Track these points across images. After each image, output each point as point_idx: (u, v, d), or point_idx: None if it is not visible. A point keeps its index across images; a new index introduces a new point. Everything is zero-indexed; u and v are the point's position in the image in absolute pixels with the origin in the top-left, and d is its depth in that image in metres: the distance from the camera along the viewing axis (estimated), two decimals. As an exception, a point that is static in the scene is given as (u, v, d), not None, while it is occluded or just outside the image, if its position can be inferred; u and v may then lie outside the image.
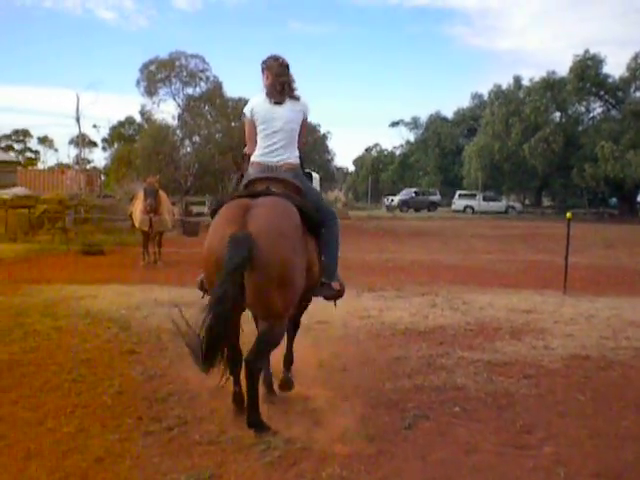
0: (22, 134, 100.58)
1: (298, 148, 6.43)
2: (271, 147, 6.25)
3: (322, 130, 67.35)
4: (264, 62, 6.40)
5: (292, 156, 6.33)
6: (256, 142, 6.35)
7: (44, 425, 5.89)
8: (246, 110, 6.37)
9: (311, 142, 63.43)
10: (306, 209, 5.98)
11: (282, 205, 5.79)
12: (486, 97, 69.49)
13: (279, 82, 6.28)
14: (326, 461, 5.20)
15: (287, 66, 6.38)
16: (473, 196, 62.29)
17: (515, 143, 58.64)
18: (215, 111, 44.82)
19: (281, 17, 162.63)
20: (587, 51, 58.45)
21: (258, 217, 5.56)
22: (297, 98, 6.36)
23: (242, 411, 5.86)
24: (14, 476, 4.93)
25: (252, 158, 6.31)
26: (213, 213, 6.01)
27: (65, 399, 6.52)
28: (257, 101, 6.33)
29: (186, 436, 5.63)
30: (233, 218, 5.60)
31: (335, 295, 6.56)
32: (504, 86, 64.71)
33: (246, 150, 6.51)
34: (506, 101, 61.48)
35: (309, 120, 6.57)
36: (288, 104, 6.30)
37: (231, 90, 60.31)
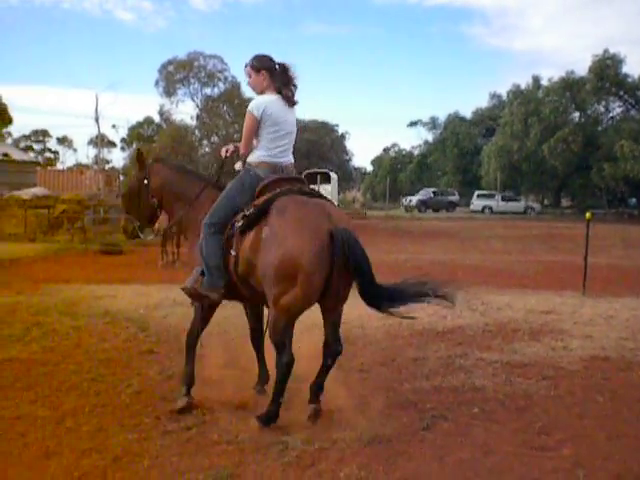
0: (41, 134, 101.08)
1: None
2: (281, 148, 6.32)
3: (340, 130, 67.48)
4: (258, 61, 6.38)
5: (291, 158, 6.48)
6: (253, 141, 6.38)
7: (63, 424, 5.93)
8: (255, 108, 6.23)
9: (329, 142, 63.52)
10: None
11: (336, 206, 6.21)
12: (505, 97, 69.27)
13: (295, 86, 6.37)
14: (344, 461, 5.20)
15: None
16: (492, 196, 61.97)
17: (534, 143, 58.36)
18: (233, 111, 44.97)
19: (298, 17, 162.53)
20: (606, 50, 58.15)
21: (338, 214, 5.94)
22: (296, 103, 6.44)
23: None
24: (33, 475, 4.96)
25: (261, 158, 6.29)
26: (265, 207, 5.94)
27: (84, 398, 6.56)
28: (269, 101, 6.28)
29: (204, 436, 5.65)
30: (319, 213, 5.74)
31: None
32: (523, 86, 64.50)
33: (241, 149, 6.48)
34: (525, 101, 61.18)
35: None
36: (294, 108, 6.43)
37: (249, 90, 60.21)
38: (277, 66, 6.34)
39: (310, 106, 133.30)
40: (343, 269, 5.63)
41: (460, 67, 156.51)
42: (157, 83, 46.44)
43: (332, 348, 6.10)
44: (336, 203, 54.42)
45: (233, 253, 6.04)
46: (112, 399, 6.52)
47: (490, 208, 60.68)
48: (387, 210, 63.40)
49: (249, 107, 6.27)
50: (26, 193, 28.52)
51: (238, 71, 48.97)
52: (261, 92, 6.39)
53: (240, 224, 5.99)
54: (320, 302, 5.90)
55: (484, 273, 17.34)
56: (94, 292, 12.21)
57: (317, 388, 6.16)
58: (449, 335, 9.60)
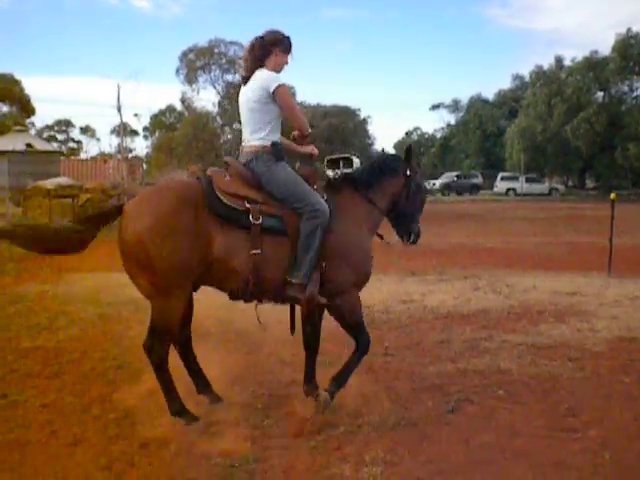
0: (64, 124, 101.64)
1: None
2: (244, 131, 6.09)
3: (362, 115, 67.20)
4: (288, 40, 6.09)
5: (252, 139, 6.03)
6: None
7: (89, 412, 5.97)
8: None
9: (351, 127, 63.33)
10: None
11: None
12: (527, 78, 68.77)
13: (245, 60, 6.18)
14: (369, 445, 5.22)
15: None
16: (515, 178, 61.56)
17: (557, 124, 57.97)
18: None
19: (316, 2, 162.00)
20: (629, 29, 57.59)
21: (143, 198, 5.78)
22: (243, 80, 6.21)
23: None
24: (61, 462, 5.01)
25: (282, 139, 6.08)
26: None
27: (110, 386, 6.60)
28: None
29: (230, 420, 5.66)
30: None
31: None
32: (545, 67, 64.01)
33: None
34: (548, 82, 60.76)
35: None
36: (250, 83, 6.08)
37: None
38: None
39: (332, 91, 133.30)
40: None
41: (480, 49, 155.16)
42: (178, 71, 46.46)
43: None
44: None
45: None
46: (139, 386, 6.55)
47: (514, 190, 60.30)
48: (410, 194, 63.14)
49: (281, 80, 5.92)
50: (50, 183, 28.61)
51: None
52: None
53: None
54: None
55: (508, 255, 17.28)
56: (119, 280, 12.20)
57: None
58: (474, 318, 9.58)
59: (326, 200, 5.78)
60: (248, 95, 5.96)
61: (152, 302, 5.54)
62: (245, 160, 5.88)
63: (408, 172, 6.32)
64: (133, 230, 5.35)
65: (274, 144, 5.87)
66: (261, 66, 5.96)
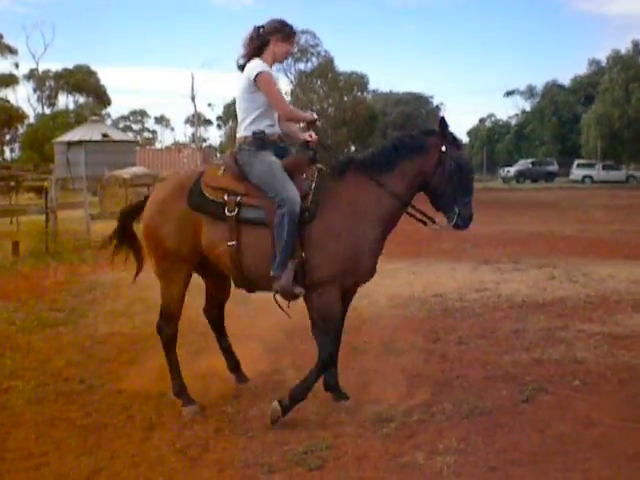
0: (140, 114, 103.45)
1: None
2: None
3: (435, 102, 66.77)
4: (289, 28, 5.98)
5: (242, 130, 5.98)
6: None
7: (165, 397, 6.05)
8: (270, 70, 5.89)
9: (424, 114, 62.97)
10: None
11: None
12: (604, 63, 67.39)
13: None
14: (443, 434, 5.19)
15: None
16: (592, 165, 60.44)
17: (635, 110, 56.64)
18: (327, 86, 44.97)
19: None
20: None
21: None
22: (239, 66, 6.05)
23: None
24: (137, 446, 5.10)
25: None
26: None
27: (186, 371, 6.67)
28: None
29: (303, 408, 5.68)
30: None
31: None
32: (622, 51, 62.59)
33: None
34: (625, 67, 59.40)
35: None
36: (244, 70, 5.97)
37: (343, 64, 60.21)
38: None
39: (404, 78, 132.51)
40: None
41: (553, 34, 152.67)
42: (251, 60, 46.82)
43: None
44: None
45: None
46: (214, 371, 6.62)
47: (590, 177, 59.20)
48: (484, 182, 62.57)
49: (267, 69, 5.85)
50: (126, 172, 29.10)
51: (331, 46, 48.97)
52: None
53: None
54: None
55: (585, 244, 16.97)
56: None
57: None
58: (549, 307, 9.45)
59: (316, 188, 5.64)
60: (238, 86, 5.95)
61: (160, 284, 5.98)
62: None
63: (443, 148, 5.75)
64: (143, 216, 6.00)
65: (254, 133, 5.80)
66: (258, 56, 5.88)
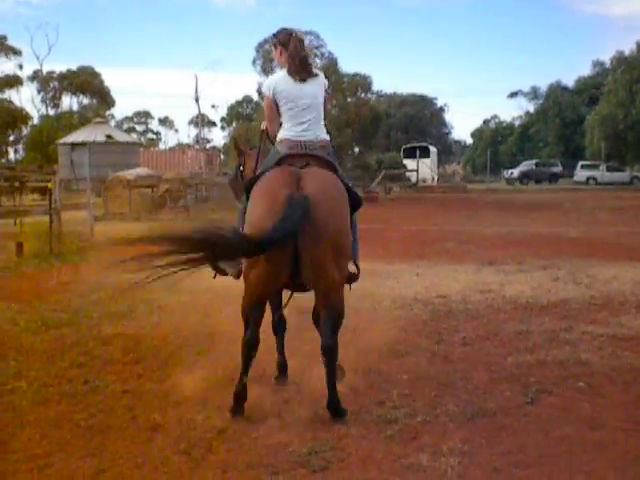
0: (143, 115, 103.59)
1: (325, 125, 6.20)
2: (302, 125, 6.01)
3: (439, 103, 66.94)
4: (276, 37, 6.21)
5: (322, 134, 6.10)
6: (277, 122, 6.17)
7: (169, 398, 6.06)
8: (266, 89, 6.11)
9: (428, 116, 63.06)
10: (349, 187, 5.89)
11: (332, 176, 5.75)
12: (608, 64, 67.35)
13: (299, 58, 6.05)
14: (447, 435, 5.18)
15: (302, 40, 6.18)
16: (596, 167, 60.38)
17: (639, 111, 56.66)
18: (331, 87, 44.94)
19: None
20: None
21: (313, 182, 5.49)
22: (316, 74, 6.13)
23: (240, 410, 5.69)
24: (141, 447, 5.09)
25: (282, 135, 6.05)
26: (251, 183, 5.82)
27: (189, 372, 6.68)
28: (278, 79, 6.09)
29: (307, 409, 5.68)
30: (285, 181, 5.49)
31: (351, 278, 6.02)
32: (626, 52, 62.56)
33: (269, 130, 6.37)
34: (629, 68, 59.34)
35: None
36: (310, 80, 6.07)
37: (347, 66, 60.23)
38: (288, 39, 6.11)
39: (408, 80, 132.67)
40: (308, 238, 5.28)
41: (557, 35, 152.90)
42: (254, 62, 46.83)
43: (323, 343, 5.52)
44: (435, 177, 53.49)
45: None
46: (217, 373, 6.62)
47: (594, 179, 59.17)
48: (488, 183, 62.66)
49: (262, 88, 6.22)
50: (130, 173, 29.17)
51: (334, 47, 49.00)
52: (282, 68, 6.24)
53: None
54: (305, 284, 5.66)
55: (589, 245, 16.96)
56: (198, 269, 12.34)
57: (328, 390, 5.56)
58: (553, 308, 9.43)
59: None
60: (315, 92, 6.18)
61: None
62: (323, 152, 6.12)
63: None
64: None
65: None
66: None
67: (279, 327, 6.65)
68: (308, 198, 5.27)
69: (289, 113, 6.01)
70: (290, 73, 6.01)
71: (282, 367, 6.59)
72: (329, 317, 5.54)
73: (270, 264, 5.37)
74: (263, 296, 5.70)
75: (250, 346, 5.66)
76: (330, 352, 5.46)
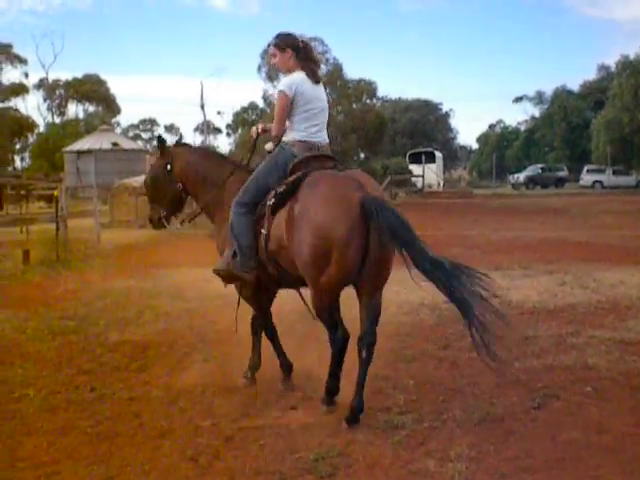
0: (149, 123, 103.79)
1: None
2: (316, 127, 6.13)
3: (444, 108, 66.93)
4: (283, 41, 6.25)
5: (327, 137, 6.28)
6: (285, 122, 6.20)
7: (176, 404, 6.07)
8: (287, 88, 6.09)
9: (433, 121, 63.06)
10: None
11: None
12: (613, 68, 67.28)
13: (315, 61, 6.26)
14: (454, 441, 5.18)
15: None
16: (602, 171, 60.25)
17: (645, 115, 56.59)
18: (336, 93, 45.05)
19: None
20: None
21: (371, 185, 5.67)
22: (320, 79, 6.28)
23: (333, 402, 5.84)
24: (148, 454, 5.10)
25: (297, 137, 6.09)
26: (296, 183, 5.80)
27: (196, 379, 6.69)
28: (299, 79, 6.12)
29: (313, 414, 5.69)
30: (348, 183, 5.54)
31: None
32: (632, 56, 62.45)
33: (273, 130, 6.34)
34: (635, 72, 59.23)
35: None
36: (320, 84, 6.26)
37: (352, 71, 60.29)
38: (301, 44, 6.21)
39: (413, 85, 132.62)
40: (378, 239, 5.32)
41: (562, 40, 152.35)
42: (259, 68, 47.08)
43: (365, 339, 5.56)
44: (441, 182, 53.47)
45: (264, 232, 5.90)
46: (224, 380, 6.63)
47: (600, 183, 59.02)
48: (494, 188, 62.56)
49: (280, 86, 6.18)
50: (136, 181, 29.18)
51: (339, 53, 49.12)
52: (287, 71, 6.29)
53: (271, 202, 5.86)
54: (358, 281, 5.61)
55: (595, 249, 16.90)
56: (204, 275, 12.32)
57: (357, 387, 5.59)
58: (560, 313, 9.41)
59: None
60: (326, 97, 6.46)
61: None
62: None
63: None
64: None
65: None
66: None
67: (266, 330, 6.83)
68: (380, 198, 5.53)
69: (305, 115, 6.10)
70: (309, 75, 6.13)
71: (287, 368, 6.65)
72: (373, 314, 5.67)
73: (345, 266, 5.41)
74: (337, 295, 5.76)
75: (344, 340, 5.72)
76: (372, 347, 5.57)
